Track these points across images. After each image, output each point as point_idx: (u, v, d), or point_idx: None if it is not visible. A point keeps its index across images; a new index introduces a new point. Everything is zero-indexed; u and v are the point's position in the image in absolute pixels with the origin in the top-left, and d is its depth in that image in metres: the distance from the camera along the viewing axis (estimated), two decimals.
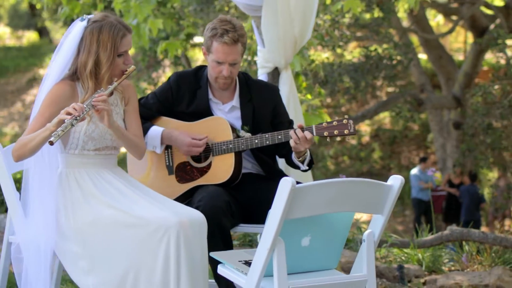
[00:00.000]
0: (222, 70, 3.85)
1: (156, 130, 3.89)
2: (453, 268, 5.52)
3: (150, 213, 3.31)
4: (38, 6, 7.46)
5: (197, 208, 3.55)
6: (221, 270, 3.10)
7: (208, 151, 3.89)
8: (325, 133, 3.70)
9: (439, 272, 5.34)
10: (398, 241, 5.92)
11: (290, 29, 4.80)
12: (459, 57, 21.43)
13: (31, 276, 3.40)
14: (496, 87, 9.45)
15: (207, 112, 3.97)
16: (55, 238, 3.40)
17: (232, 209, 3.71)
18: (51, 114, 3.37)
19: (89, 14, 3.69)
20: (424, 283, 5.05)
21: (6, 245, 3.69)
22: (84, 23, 3.45)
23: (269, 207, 3.77)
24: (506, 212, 14.68)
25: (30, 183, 3.46)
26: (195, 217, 3.35)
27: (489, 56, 15.77)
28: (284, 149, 3.95)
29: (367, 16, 11.50)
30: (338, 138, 3.71)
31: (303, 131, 3.70)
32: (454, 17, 15.57)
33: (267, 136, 3.79)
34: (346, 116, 3.71)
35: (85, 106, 3.28)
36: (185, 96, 3.99)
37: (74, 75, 3.48)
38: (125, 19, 7.77)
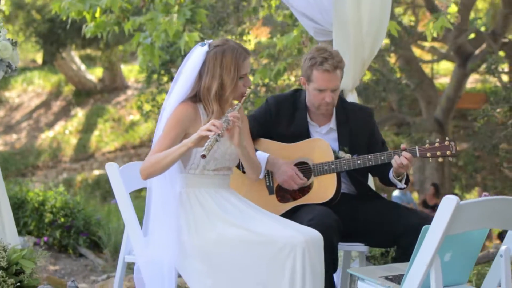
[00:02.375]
0: (324, 97, 3.98)
1: (261, 155, 3.99)
2: None
3: (274, 231, 3.40)
4: (63, 18, 7.48)
5: (309, 226, 3.65)
6: (362, 285, 3.20)
7: (309, 171, 4.00)
8: (428, 154, 3.86)
9: None
10: None
11: (361, 53, 4.95)
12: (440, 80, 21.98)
13: None
14: (498, 110, 9.75)
15: (306, 134, 4.09)
16: (178, 257, 3.46)
17: (340, 228, 3.82)
18: (177, 134, 3.46)
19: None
20: None
21: (122, 264, 3.72)
22: (206, 48, 3.56)
23: (367, 226, 3.95)
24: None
25: (153, 202, 3.54)
26: (316, 236, 3.46)
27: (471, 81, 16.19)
28: (378, 169, 4.08)
29: None
30: (440, 159, 3.86)
31: (406, 151, 3.84)
32: (436, 43, 15.98)
33: (369, 157, 3.93)
34: (447, 138, 3.87)
35: (223, 122, 3.37)
36: (284, 119, 4.10)
37: (195, 97, 3.57)
38: (135, 38, 7.87)
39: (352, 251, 4.47)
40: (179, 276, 3.53)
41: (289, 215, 3.97)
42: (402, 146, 3.90)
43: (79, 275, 6.80)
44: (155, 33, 7.47)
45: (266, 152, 4.04)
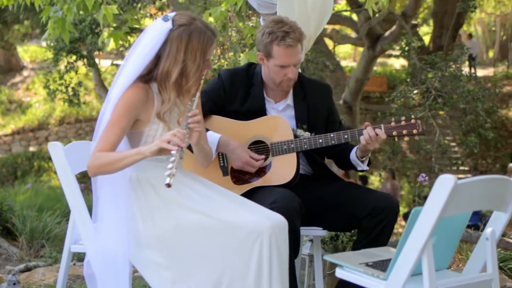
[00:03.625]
0: (287, 73, 3.71)
1: (212, 136, 3.69)
2: None
3: (239, 216, 3.12)
4: None
5: (271, 209, 3.38)
6: (340, 273, 2.96)
7: (267, 151, 3.73)
8: (394, 133, 3.67)
9: None
10: None
11: (306, 29, 4.68)
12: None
13: None
14: (416, 91, 9.78)
15: (261, 111, 3.81)
16: (132, 248, 3.11)
17: (302, 212, 3.57)
18: (127, 123, 3.10)
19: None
20: None
21: (67, 255, 3.33)
22: (169, 24, 3.13)
23: (326, 209, 3.72)
24: None
25: (99, 188, 3.18)
26: (281, 221, 3.20)
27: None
28: (334, 149, 3.86)
29: None
30: (406, 138, 3.68)
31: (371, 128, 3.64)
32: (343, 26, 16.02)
33: (332, 135, 3.69)
34: (412, 116, 3.69)
35: (184, 131, 3.02)
36: (238, 94, 3.81)
37: (147, 76, 3.18)
38: (44, 12, 7.36)
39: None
40: (135, 270, 3.17)
41: (246, 197, 3.68)
42: (366, 123, 3.68)
43: None
44: (66, 6, 6.98)
45: (219, 131, 3.73)
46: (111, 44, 7.34)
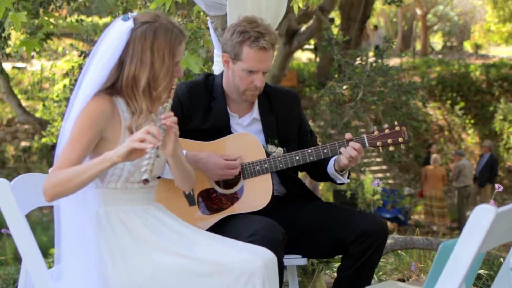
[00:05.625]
0: (254, 80, 3.26)
1: None
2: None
3: (227, 256, 2.66)
4: None
5: (251, 242, 2.93)
6: None
7: (238, 174, 3.26)
8: (378, 143, 3.29)
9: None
10: None
11: None
12: None
13: None
14: (345, 87, 9.48)
15: (226, 127, 3.34)
16: None
17: (286, 242, 3.12)
18: (90, 140, 2.58)
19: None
20: None
21: None
22: (130, 23, 2.66)
23: (305, 234, 3.30)
24: None
25: (63, 225, 2.65)
26: (271, 257, 2.78)
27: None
28: (310, 163, 3.43)
29: None
30: (391, 148, 3.29)
31: (354, 141, 3.24)
32: None
33: (309, 151, 3.26)
34: (396, 123, 3.31)
35: (158, 128, 2.52)
36: (198, 111, 3.33)
37: (111, 89, 2.69)
38: None
39: None
40: None
41: (217, 229, 3.20)
42: (348, 135, 3.27)
43: None
44: None
45: None
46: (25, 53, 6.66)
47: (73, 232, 2.61)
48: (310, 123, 15.81)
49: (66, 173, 2.48)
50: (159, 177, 3.21)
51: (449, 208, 16.58)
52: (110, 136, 2.63)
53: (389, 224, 15.31)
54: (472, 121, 22.16)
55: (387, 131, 3.29)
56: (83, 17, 9.24)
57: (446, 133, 21.78)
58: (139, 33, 2.63)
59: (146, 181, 2.39)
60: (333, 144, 3.26)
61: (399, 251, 5.52)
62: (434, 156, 15.45)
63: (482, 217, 2.19)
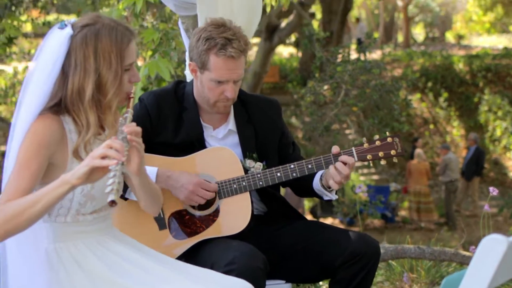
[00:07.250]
0: (224, 90, 2.94)
1: (148, 170, 2.82)
2: None
3: None
4: None
5: (229, 272, 2.62)
6: None
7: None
8: (368, 157, 2.97)
9: None
10: None
11: None
12: None
13: None
14: (326, 87, 9.17)
15: (199, 141, 3.01)
16: None
17: (267, 269, 2.80)
18: (40, 165, 2.24)
19: None
20: None
21: None
22: (68, 30, 2.32)
23: (288, 257, 2.98)
24: None
25: (9, 265, 2.33)
26: None
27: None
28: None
29: None
30: (383, 162, 2.98)
31: (342, 155, 2.92)
32: None
33: (292, 167, 2.95)
34: (388, 134, 3.00)
35: (121, 142, 2.19)
36: (168, 123, 3.00)
37: (58, 106, 2.34)
38: None
39: None
40: None
41: (190, 256, 2.88)
42: (334, 149, 2.95)
43: None
44: None
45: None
46: None
47: (20, 273, 2.29)
48: (293, 120, 15.59)
49: (16, 205, 2.14)
50: (126, 199, 2.89)
51: (436, 203, 16.34)
52: (58, 161, 2.30)
53: (376, 221, 15.06)
54: (457, 113, 21.91)
55: (378, 143, 2.98)
56: (54, 16, 8.84)
57: (431, 126, 21.52)
58: (79, 38, 2.30)
59: (113, 202, 2.06)
60: (318, 159, 2.94)
61: (389, 261, 5.23)
62: (417, 151, 15.19)
63: (491, 250, 1.89)
